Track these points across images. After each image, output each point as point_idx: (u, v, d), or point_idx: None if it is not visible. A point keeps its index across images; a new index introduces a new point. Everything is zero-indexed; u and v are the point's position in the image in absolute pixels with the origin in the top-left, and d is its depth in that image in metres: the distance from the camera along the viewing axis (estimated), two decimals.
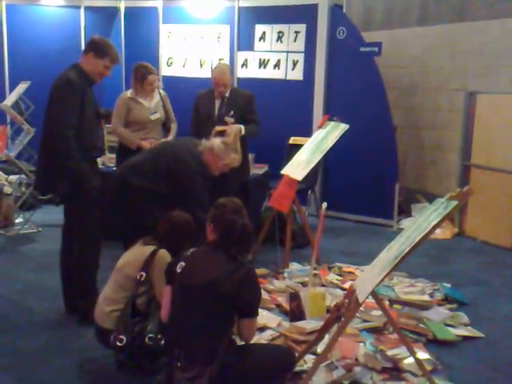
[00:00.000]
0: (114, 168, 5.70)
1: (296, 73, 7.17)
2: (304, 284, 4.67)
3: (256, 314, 2.85)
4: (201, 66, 7.61)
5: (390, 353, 3.59)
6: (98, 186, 4.01)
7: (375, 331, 3.95)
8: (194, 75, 7.60)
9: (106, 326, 3.30)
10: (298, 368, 3.33)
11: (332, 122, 5.36)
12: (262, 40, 7.32)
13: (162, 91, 5.57)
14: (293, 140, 6.84)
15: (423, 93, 7.45)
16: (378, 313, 4.04)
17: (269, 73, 7.32)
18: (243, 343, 2.93)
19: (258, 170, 6.04)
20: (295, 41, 7.13)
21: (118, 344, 3.19)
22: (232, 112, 5.31)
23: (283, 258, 5.23)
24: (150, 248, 3.40)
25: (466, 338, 3.99)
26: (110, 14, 7.91)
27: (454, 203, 2.99)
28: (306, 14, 7.01)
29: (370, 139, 6.79)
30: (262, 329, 3.90)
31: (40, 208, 6.86)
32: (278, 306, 4.37)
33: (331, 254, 5.62)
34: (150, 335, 3.19)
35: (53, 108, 3.90)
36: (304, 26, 7.04)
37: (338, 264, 5.28)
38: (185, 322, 2.81)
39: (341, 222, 7.01)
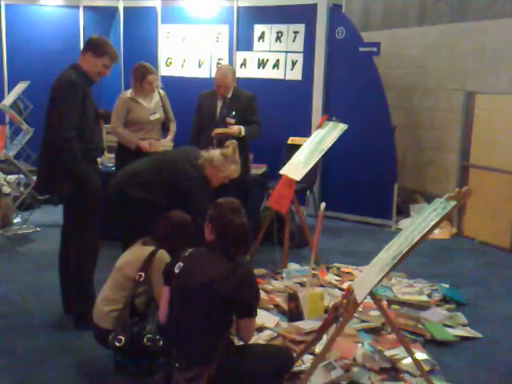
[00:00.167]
0: (113, 168, 5.71)
1: (295, 73, 7.17)
2: (302, 284, 4.67)
3: (255, 314, 2.84)
4: (199, 66, 7.61)
5: (388, 353, 3.60)
6: (99, 187, 4.00)
7: (373, 331, 3.95)
8: (192, 75, 7.60)
9: (104, 326, 3.30)
10: (296, 368, 3.33)
11: (331, 122, 5.35)
12: (260, 40, 7.32)
13: (161, 91, 5.56)
14: (291, 140, 6.84)
15: (422, 93, 7.45)
16: (377, 313, 4.04)
17: (268, 73, 7.32)
18: (242, 343, 2.93)
19: (256, 170, 6.04)
20: (294, 41, 7.13)
21: (117, 344, 3.18)
22: (233, 113, 5.31)
23: (282, 258, 5.23)
24: (149, 248, 3.40)
25: (464, 338, 3.99)
26: (109, 13, 7.91)
27: (453, 203, 2.99)
28: (305, 14, 7.01)
29: (369, 139, 6.80)
30: (261, 329, 3.90)
31: (38, 208, 6.87)
32: (277, 306, 4.36)
33: (330, 255, 5.62)
34: (149, 336, 3.19)
35: (55, 109, 3.86)
36: (303, 25, 7.05)
37: (336, 264, 5.28)
38: (183, 323, 2.81)
39: (339, 222, 7.01)
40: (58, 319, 4.12)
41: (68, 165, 3.82)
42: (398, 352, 3.57)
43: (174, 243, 3.40)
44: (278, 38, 7.21)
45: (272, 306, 4.35)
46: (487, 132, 6.34)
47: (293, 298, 4.16)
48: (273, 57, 7.27)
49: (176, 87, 6.79)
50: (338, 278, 4.92)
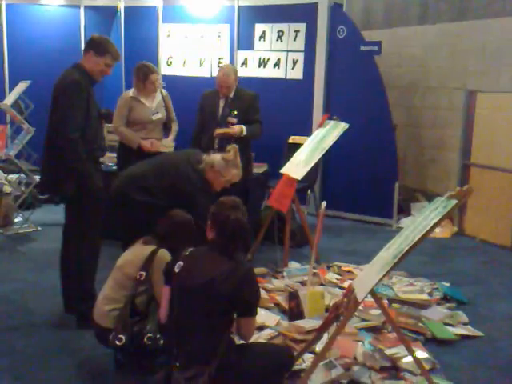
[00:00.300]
0: (114, 167, 5.71)
1: (296, 72, 7.16)
2: (303, 283, 4.67)
3: (255, 313, 2.85)
4: (200, 65, 7.61)
5: (388, 352, 3.59)
6: (101, 187, 3.99)
7: (374, 330, 3.95)
8: (193, 74, 7.60)
9: (105, 325, 3.30)
10: (296, 367, 3.34)
11: (332, 121, 5.35)
12: (261, 39, 7.32)
13: (163, 91, 5.57)
14: (292, 139, 6.85)
15: (423, 92, 7.45)
16: (377, 312, 4.04)
17: (269, 72, 7.32)
18: (242, 342, 2.93)
19: (257, 169, 6.04)
20: (295, 40, 7.12)
21: (117, 343, 3.18)
22: (235, 112, 5.31)
23: (282, 257, 5.23)
24: (150, 247, 3.40)
25: (464, 337, 3.99)
26: (110, 13, 7.91)
27: (454, 202, 2.99)
28: (306, 13, 7.00)
29: (370, 138, 6.80)
30: (261, 328, 3.91)
31: (39, 207, 6.88)
32: (277, 304, 4.36)
33: (330, 253, 5.62)
34: (149, 335, 3.19)
35: (59, 110, 3.83)
36: (304, 25, 7.04)
37: (337, 263, 5.28)
38: (183, 322, 2.81)
39: (340, 221, 7.01)
40: (59, 318, 4.12)
41: (72, 165, 3.80)
42: (399, 351, 3.57)
43: (174, 242, 3.40)
44: (279, 37, 7.21)
45: (272, 305, 4.36)
46: (488, 131, 6.34)
47: (293, 296, 4.16)
48: (274, 56, 7.27)
49: (177, 86, 6.81)
50: (338, 277, 4.92)
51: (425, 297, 4.54)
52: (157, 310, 3.23)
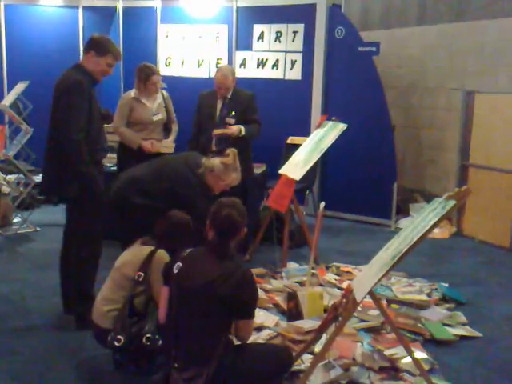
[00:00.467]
0: (113, 167, 5.70)
1: (294, 72, 7.16)
2: (302, 283, 4.67)
3: (253, 315, 2.84)
4: (199, 65, 7.61)
5: (387, 352, 3.60)
6: (104, 190, 3.98)
7: (373, 331, 3.95)
8: (192, 75, 7.60)
9: (103, 326, 3.30)
10: (295, 367, 3.34)
11: (330, 122, 5.36)
12: (260, 40, 7.32)
13: (164, 92, 5.58)
14: (291, 140, 6.84)
15: (421, 92, 7.46)
16: (376, 312, 4.04)
17: (267, 72, 7.31)
18: (240, 343, 2.93)
19: (256, 169, 6.03)
20: (293, 40, 7.12)
21: (116, 344, 3.18)
22: (233, 113, 5.31)
23: (281, 257, 5.23)
24: (149, 248, 3.40)
25: (463, 337, 3.99)
26: (108, 13, 7.91)
27: (452, 203, 2.99)
28: (305, 14, 7.00)
29: (368, 139, 6.80)
30: (260, 328, 3.90)
31: (38, 207, 6.87)
32: (276, 305, 4.36)
33: (329, 254, 5.62)
34: (148, 335, 3.19)
35: (61, 111, 3.78)
36: (302, 25, 7.04)
37: (335, 264, 5.28)
38: (182, 323, 2.81)
39: (339, 221, 7.01)
40: (58, 319, 4.12)
41: (75, 167, 3.77)
42: (398, 351, 3.57)
43: (173, 242, 3.41)
44: (278, 38, 7.21)
45: (271, 306, 4.36)
46: (486, 131, 6.34)
47: (292, 297, 4.16)
48: (272, 57, 7.27)
49: (175, 87, 6.78)
50: (337, 278, 4.92)
51: (423, 297, 4.55)
52: (155, 310, 3.24)
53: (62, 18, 7.95)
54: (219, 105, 5.43)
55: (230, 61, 7.40)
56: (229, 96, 5.42)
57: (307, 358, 3.47)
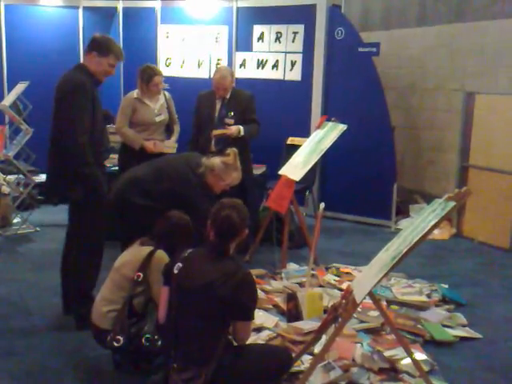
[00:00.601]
0: (113, 168, 5.70)
1: (294, 73, 7.16)
2: (301, 284, 4.66)
3: (252, 317, 2.84)
4: (199, 66, 7.61)
5: (387, 353, 3.59)
6: (107, 192, 3.96)
7: (372, 332, 3.94)
8: (191, 76, 7.60)
9: (103, 327, 3.30)
10: (294, 368, 3.33)
11: (330, 123, 5.36)
12: (260, 40, 7.32)
13: (167, 93, 5.60)
14: (291, 140, 6.85)
15: (421, 93, 7.46)
16: (376, 313, 4.04)
17: (267, 73, 7.32)
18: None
19: (255, 170, 6.03)
20: (293, 41, 7.12)
21: (115, 344, 3.18)
22: (232, 113, 5.31)
23: (281, 258, 5.22)
24: (148, 248, 3.40)
25: (463, 338, 3.99)
26: (109, 14, 7.92)
27: (452, 204, 2.99)
28: (304, 15, 7.01)
29: (368, 140, 6.80)
30: (260, 329, 3.90)
31: (38, 208, 6.87)
32: (276, 306, 4.36)
33: (329, 255, 5.62)
34: (147, 336, 3.19)
35: (65, 113, 3.73)
36: (302, 26, 7.04)
37: (335, 264, 5.28)
38: (181, 324, 2.81)
39: (338, 222, 7.00)
40: (58, 319, 4.12)
41: (80, 169, 3.73)
42: (397, 352, 3.56)
43: (172, 243, 3.41)
44: (278, 39, 7.21)
45: (271, 306, 4.35)
46: (487, 132, 6.34)
47: (292, 298, 4.16)
48: (272, 57, 7.27)
49: (175, 87, 6.78)
50: (337, 279, 4.92)
51: (423, 298, 4.54)
52: (154, 310, 3.24)
53: (62, 19, 7.95)
54: (218, 105, 5.43)
55: (230, 61, 7.41)
56: (227, 96, 5.43)
57: (307, 359, 3.47)
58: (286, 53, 7.19)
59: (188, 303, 2.78)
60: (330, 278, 4.93)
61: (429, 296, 4.61)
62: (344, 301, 3.17)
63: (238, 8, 7.38)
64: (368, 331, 3.95)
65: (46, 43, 7.78)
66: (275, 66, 7.27)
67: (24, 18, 7.81)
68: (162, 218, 3.55)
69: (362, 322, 4.07)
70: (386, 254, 3.11)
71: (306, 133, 6.56)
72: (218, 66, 7.21)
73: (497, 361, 3.73)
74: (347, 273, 5.08)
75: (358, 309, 3.86)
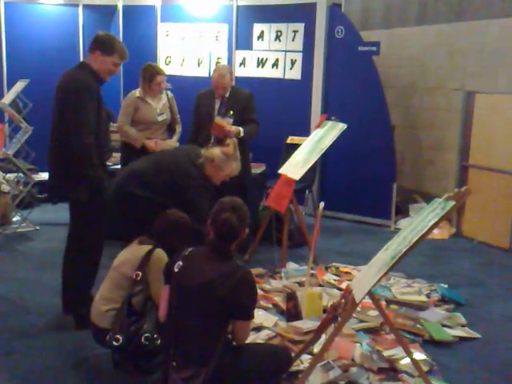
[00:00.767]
0: (113, 166, 5.70)
1: (294, 72, 7.16)
2: (301, 284, 4.66)
3: (251, 317, 2.84)
4: (199, 64, 7.61)
5: (386, 353, 3.59)
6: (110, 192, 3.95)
7: (372, 331, 3.94)
8: (191, 74, 7.59)
9: (102, 326, 3.29)
10: (294, 368, 3.33)
11: (330, 122, 5.36)
12: (260, 39, 7.32)
13: (169, 93, 5.61)
14: (290, 139, 6.84)
15: (421, 92, 7.45)
16: (375, 313, 4.04)
17: (267, 72, 7.31)
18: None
19: (255, 169, 6.03)
20: (293, 40, 7.12)
21: (114, 343, 3.18)
22: (232, 112, 5.31)
23: (280, 257, 5.23)
24: (146, 247, 3.40)
25: (462, 338, 3.99)
26: (108, 12, 7.90)
27: (452, 203, 2.99)
28: (305, 13, 7.00)
29: (368, 139, 6.79)
30: (259, 328, 3.90)
31: (37, 206, 6.86)
32: (275, 305, 4.36)
33: (328, 254, 5.62)
34: (146, 335, 3.18)
35: (71, 114, 3.66)
36: (302, 25, 7.04)
37: (334, 264, 5.28)
38: (181, 322, 2.81)
39: (338, 221, 7.00)
40: (57, 318, 4.11)
41: (85, 171, 3.69)
42: (397, 352, 3.57)
43: (170, 241, 3.41)
44: (278, 37, 7.21)
45: (270, 306, 4.35)
46: (486, 132, 6.34)
47: (291, 297, 4.16)
48: (272, 56, 7.27)
49: (175, 86, 6.79)
50: (336, 278, 4.92)
51: (423, 298, 4.55)
52: (153, 309, 3.24)
53: (62, 17, 7.93)
54: (217, 104, 5.43)
55: (230, 60, 7.40)
56: (227, 95, 5.43)
57: (306, 359, 3.47)
58: (285, 51, 7.18)
59: (188, 302, 2.78)
60: (329, 277, 4.93)
61: (428, 296, 4.61)
62: (343, 300, 3.17)
63: (238, 6, 7.37)
64: (367, 331, 3.95)
65: (46, 41, 7.77)
66: (275, 64, 7.26)
67: (24, 15, 7.80)
68: (161, 213, 3.55)
69: (361, 321, 4.07)
70: (386, 254, 3.11)
71: (305, 132, 6.56)
72: (218, 64, 7.21)
73: (496, 361, 3.73)
74: (347, 272, 5.08)
75: (358, 308, 3.86)
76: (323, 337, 3.40)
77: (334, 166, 7.08)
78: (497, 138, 6.20)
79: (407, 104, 7.64)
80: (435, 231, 5.87)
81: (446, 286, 4.87)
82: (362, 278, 3.22)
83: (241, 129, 5.22)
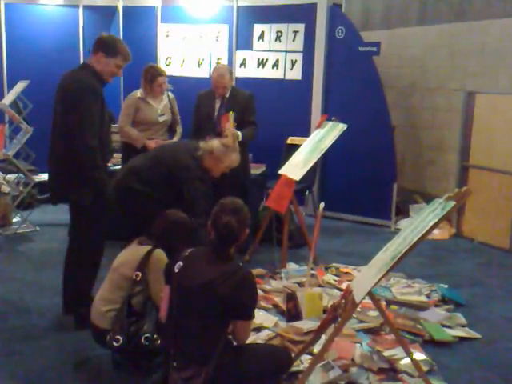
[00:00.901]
0: (115, 167, 5.70)
1: (294, 72, 7.16)
2: (301, 284, 4.66)
3: (251, 317, 2.84)
4: (199, 65, 7.61)
5: (386, 353, 3.59)
6: (112, 194, 3.94)
7: (372, 332, 3.95)
8: (192, 75, 7.59)
9: (102, 326, 3.30)
10: (294, 368, 3.33)
11: (330, 122, 5.36)
12: (260, 39, 7.31)
13: (170, 94, 5.62)
14: (291, 140, 6.84)
15: (422, 93, 7.45)
16: (375, 313, 4.04)
17: (267, 72, 7.31)
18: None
19: (255, 169, 6.03)
20: (294, 40, 7.12)
21: (115, 344, 3.18)
22: (231, 113, 5.31)
23: (280, 258, 5.22)
24: (146, 248, 3.40)
25: (462, 338, 3.98)
26: (109, 13, 7.90)
27: (452, 204, 2.98)
28: (305, 14, 7.00)
29: (368, 139, 6.78)
30: (259, 329, 3.90)
31: (38, 207, 6.87)
32: (275, 306, 4.36)
33: (328, 255, 5.62)
34: (146, 335, 3.19)
35: (77, 117, 3.63)
36: (303, 25, 7.03)
37: (335, 264, 5.27)
38: (181, 322, 2.81)
39: (338, 222, 7.00)
40: (57, 319, 4.11)
41: (89, 173, 3.67)
42: (397, 352, 3.57)
43: (170, 242, 3.41)
44: (278, 38, 7.20)
45: (270, 306, 4.35)
46: (487, 132, 6.34)
47: (291, 297, 4.15)
48: (272, 56, 7.27)
49: (175, 86, 6.80)
50: (336, 278, 4.92)
51: (423, 298, 4.54)
52: (153, 310, 3.24)
53: (62, 17, 7.94)
54: (217, 104, 5.43)
55: (231, 60, 7.40)
56: (227, 95, 5.43)
57: (306, 359, 3.47)
58: (286, 52, 7.18)
59: (188, 302, 2.78)
60: (329, 277, 4.93)
61: (428, 296, 4.61)
62: (343, 301, 3.17)
63: (238, 7, 7.37)
64: (367, 331, 3.95)
65: (46, 42, 7.78)
66: (275, 65, 7.26)
67: (24, 16, 7.80)
68: (160, 209, 3.55)
69: (361, 321, 4.07)
70: (386, 254, 3.11)
71: (306, 132, 6.56)
72: (217, 64, 7.20)
73: (496, 361, 3.73)
74: (347, 273, 5.07)
75: (358, 309, 3.86)
76: (323, 337, 3.39)
77: (335, 166, 7.08)
78: (497, 138, 6.19)
79: (407, 104, 7.63)
80: (435, 231, 5.87)
81: (446, 286, 4.87)
82: (362, 279, 3.22)
83: (239, 133, 5.21)
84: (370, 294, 3.07)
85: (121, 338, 3.18)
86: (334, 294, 4.45)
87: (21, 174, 6.57)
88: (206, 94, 5.52)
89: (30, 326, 4.03)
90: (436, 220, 2.94)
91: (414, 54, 7.53)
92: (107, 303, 3.33)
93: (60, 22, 7.92)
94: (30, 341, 3.81)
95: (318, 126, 5.46)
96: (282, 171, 5.29)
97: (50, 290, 4.49)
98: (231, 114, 5.07)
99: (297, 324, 3.93)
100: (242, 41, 7.40)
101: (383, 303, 4.31)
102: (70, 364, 3.53)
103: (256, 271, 4.90)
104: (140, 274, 3.29)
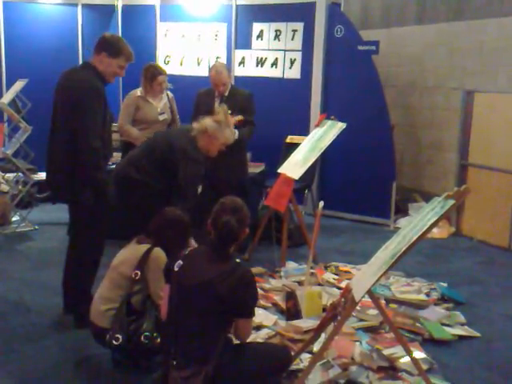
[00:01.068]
0: (113, 166, 5.71)
1: (293, 71, 7.16)
2: (300, 283, 4.66)
3: (252, 315, 2.84)
4: (198, 64, 7.60)
5: (386, 352, 3.59)
6: (113, 194, 3.93)
7: (371, 330, 3.95)
8: (191, 73, 7.59)
9: (101, 325, 3.30)
10: (294, 367, 3.33)
11: (329, 121, 5.36)
12: (259, 38, 7.31)
13: (169, 93, 5.63)
14: (290, 139, 6.84)
15: (421, 91, 7.45)
16: (375, 312, 4.04)
17: (266, 71, 7.31)
18: (239, 342, 2.93)
19: (254, 168, 6.04)
20: (293, 39, 7.11)
21: (114, 343, 3.18)
22: (230, 112, 5.30)
23: (280, 256, 5.22)
24: (145, 246, 3.40)
25: (462, 337, 3.99)
26: (108, 11, 7.90)
27: (451, 202, 2.98)
28: (304, 13, 7.00)
29: (367, 138, 6.79)
30: (259, 327, 3.90)
31: (37, 206, 6.86)
32: (275, 304, 4.36)
33: (328, 253, 5.62)
34: (146, 334, 3.19)
35: (81, 118, 3.61)
36: (301, 24, 7.03)
37: (334, 263, 5.27)
38: (181, 321, 2.81)
39: (338, 221, 7.00)
40: (57, 318, 4.11)
41: (92, 174, 3.66)
42: (396, 351, 3.56)
43: (168, 239, 3.42)
44: (277, 37, 7.20)
45: (270, 305, 4.35)
46: (486, 131, 6.34)
47: (291, 296, 4.16)
48: (271, 55, 7.26)
49: (174, 85, 6.81)
50: (336, 277, 4.91)
51: (422, 297, 4.54)
52: (153, 308, 3.24)
53: (61, 16, 7.93)
54: (216, 103, 5.43)
55: (229, 59, 7.39)
56: (226, 94, 5.43)
57: (306, 358, 3.47)
58: (285, 51, 7.18)
59: (188, 301, 2.79)
60: (328, 276, 4.93)
61: (428, 294, 4.61)
62: (343, 299, 3.17)
63: (237, 6, 7.36)
64: (367, 330, 3.95)
65: (45, 41, 7.77)
66: (274, 63, 7.26)
67: (23, 15, 7.79)
68: (160, 201, 3.56)
69: (360, 320, 4.07)
70: (385, 253, 3.11)
71: (305, 131, 6.56)
72: (216, 62, 7.20)
73: (495, 359, 3.73)
74: (346, 271, 5.07)
75: (357, 307, 3.86)
76: (323, 336, 3.40)
77: (334, 165, 7.08)
78: (496, 136, 6.19)
79: (406, 103, 7.63)
80: (435, 230, 5.88)
81: (445, 284, 4.87)
82: (362, 277, 3.22)
83: (236, 131, 5.21)
84: (370, 293, 3.07)
85: (120, 336, 3.18)
86: (334, 293, 4.45)
87: (20, 173, 6.57)
88: (205, 93, 5.53)
89: (29, 324, 4.03)
90: (435, 218, 2.94)
91: (412, 52, 7.53)
92: (106, 302, 3.33)
93: (59, 21, 7.91)
94: (30, 340, 3.81)
95: (317, 125, 5.46)
96: (281, 170, 5.29)
97: (49, 289, 4.49)
98: (224, 108, 5.06)
99: (296, 323, 3.93)
100: (241, 39, 7.40)
101: (383, 302, 4.32)
102: (70, 363, 3.53)
103: (255, 270, 4.90)
104: (139, 272, 3.29)
